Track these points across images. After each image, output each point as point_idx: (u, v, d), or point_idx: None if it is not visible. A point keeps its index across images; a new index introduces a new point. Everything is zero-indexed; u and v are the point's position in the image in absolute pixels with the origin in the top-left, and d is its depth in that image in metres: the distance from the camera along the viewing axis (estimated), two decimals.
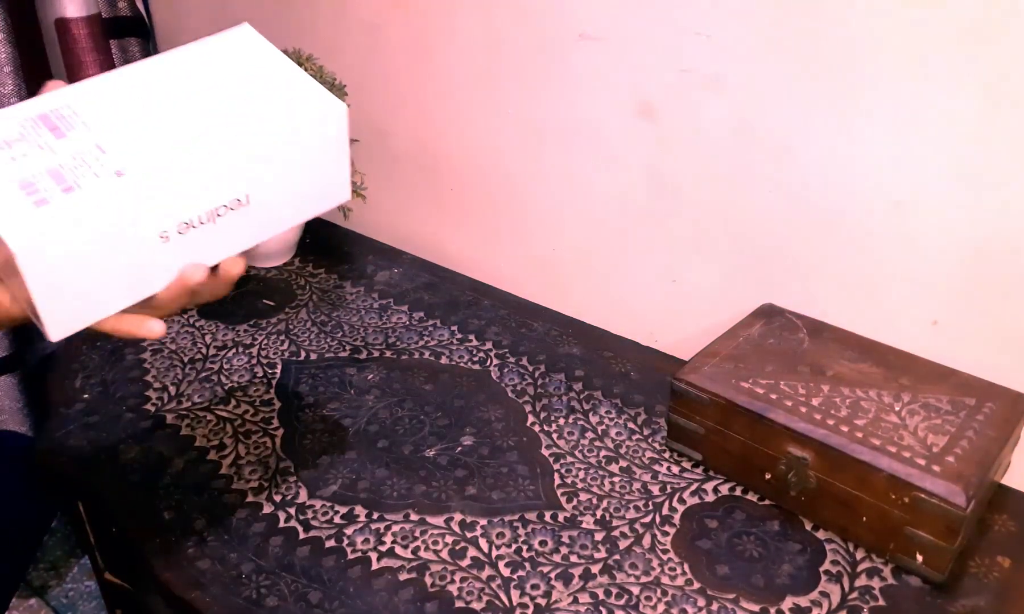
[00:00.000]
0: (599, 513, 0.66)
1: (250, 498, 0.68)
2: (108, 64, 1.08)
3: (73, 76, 1.06)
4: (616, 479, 0.70)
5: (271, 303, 0.95)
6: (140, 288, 0.49)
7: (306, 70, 0.83)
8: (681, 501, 0.68)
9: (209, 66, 0.53)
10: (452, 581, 0.60)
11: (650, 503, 0.67)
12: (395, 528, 0.65)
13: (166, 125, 0.50)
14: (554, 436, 0.75)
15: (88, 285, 0.47)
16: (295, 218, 0.55)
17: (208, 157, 0.49)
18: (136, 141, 0.48)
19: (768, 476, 0.66)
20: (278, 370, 0.83)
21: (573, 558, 0.62)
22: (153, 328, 0.50)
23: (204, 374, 0.83)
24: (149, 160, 0.48)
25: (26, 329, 1.20)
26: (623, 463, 0.72)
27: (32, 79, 1.11)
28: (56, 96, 0.50)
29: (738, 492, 0.69)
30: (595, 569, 0.61)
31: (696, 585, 0.60)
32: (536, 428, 0.76)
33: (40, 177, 0.46)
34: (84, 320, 0.48)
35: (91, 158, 0.47)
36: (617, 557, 0.62)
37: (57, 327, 0.47)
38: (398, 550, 0.63)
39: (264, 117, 0.51)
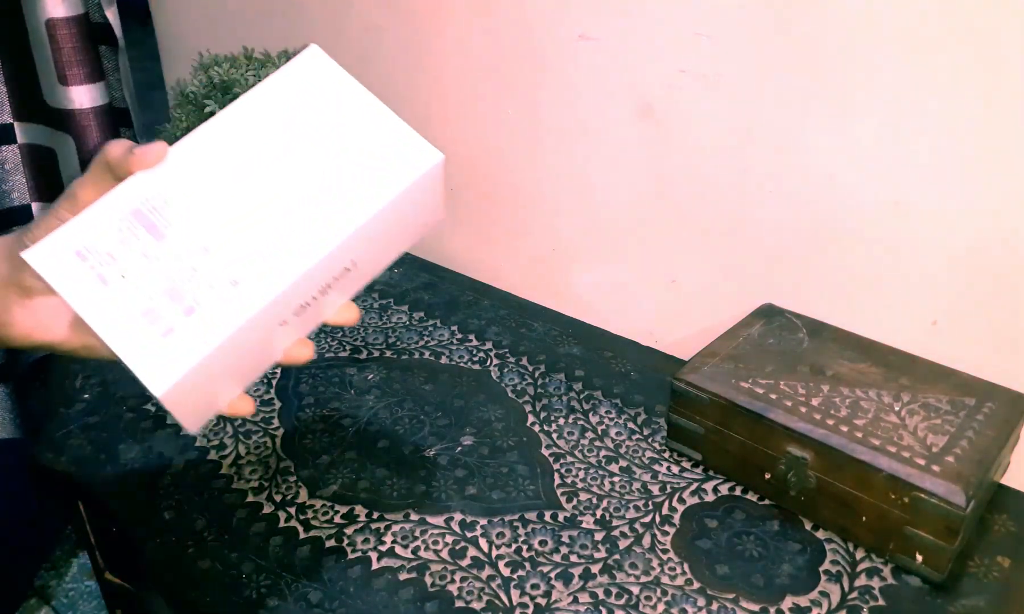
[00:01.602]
0: (599, 513, 0.66)
1: (250, 498, 0.68)
2: (96, 64, 1.08)
3: (62, 76, 1.06)
4: (616, 479, 0.70)
5: None
6: (261, 367, 0.49)
7: None
8: (681, 501, 0.68)
9: (296, 119, 0.50)
10: (452, 581, 0.60)
11: (650, 503, 0.67)
12: (395, 528, 0.65)
13: (270, 211, 0.47)
14: (554, 436, 0.75)
15: (218, 384, 0.47)
16: (393, 257, 0.54)
17: (320, 243, 0.47)
18: (242, 237, 0.47)
19: (768, 476, 0.66)
20: (278, 370, 0.83)
21: (573, 558, 0.62)
22: (243, 407, 0.49)
23: None
24: (262, 262, 0.46)
25: None
26: (623, 463, 0.72)
27: (16, 80, 1.11)
28: (143, 182, 0.47)
29: (738, 492, 0.69)
30: (595, 569, 0.61)
31: (696, 585, 0.60)
32: (536, 428, 0.76)
33: (158, 300, 0.45)
34: (216, 409, 0.49)
35: (201, 265, 0.46)
36: (617, 557, 0.62)
37: (194, 425, 0.47)
38: (398, 550, 0.63)
39: (368, 184, 0.49)
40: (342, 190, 0.49)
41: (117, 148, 0.47)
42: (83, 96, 1.08)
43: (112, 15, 1.08)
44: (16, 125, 1.13)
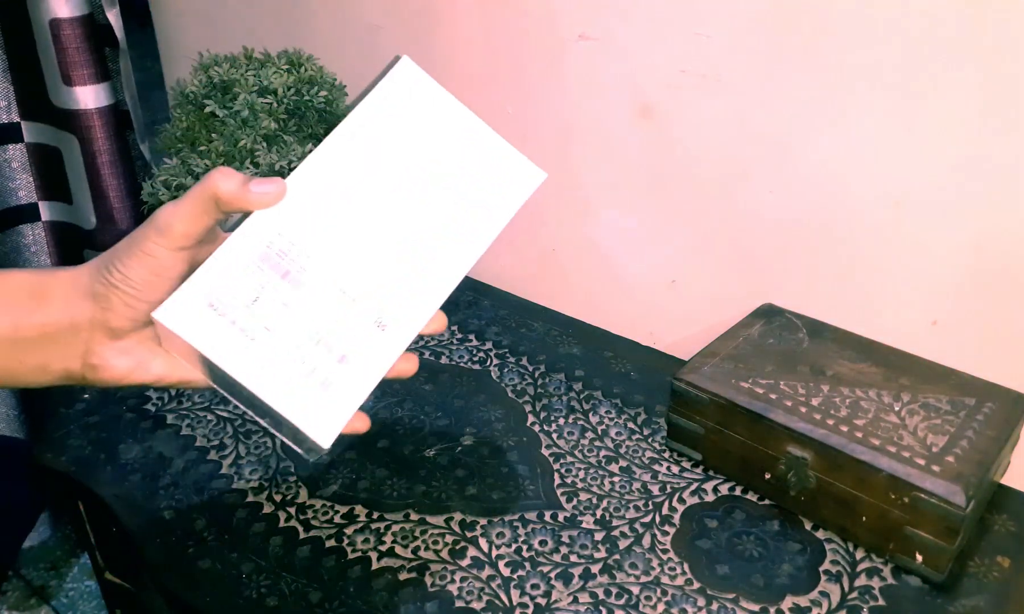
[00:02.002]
0: (599, 513, 0.66)
1: (250, 498, 0.68)
2: (101, 64, 1.09)
3: (67, 76, 1.06)
4: (616, 479, 0.70)
5: None
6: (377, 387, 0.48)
7: (306, 70, 0.83)
8: (681, 501, 0.68)
9: (404, 143, 0.48)
10: (452, 581, 0.60)
11: (650, 503, 0.67)
12: (395, 528, 0.65)
13: (398, 246, 0.47)
14: (554, 436, 0.75)
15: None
16: None
17: (450, 276, 0.48)
18: (377, 275, 0.46)
19: (768, 476, 0.66)
20: None
21: (573, 558, 0.62)
22: (359, 425, 0.48)
23: None
24: (402, 301, 0.46)
25: None
26: (623, 463, 0.72)
27: (22, 80, 1.11)
28: (263, 222, 0.45)
29: (738, 492, 0.69)
30: (595, 569, 0.61)
31: (696, 585, 0.60)
32: (536, 428, 0.76)
33: (309, 351, 0.44)
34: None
35: (345, 311, 0.45)
36: (617, 557, 0.62)
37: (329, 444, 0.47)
38: (398, 550, 0.63)
39: (486, 210, 0.49)
40: (462, 219, 0.49)
41: (229, 182, 0.43)
42: (88, 96, 1.08)
43: (113, 17, 1.08)
44: (23, 124, 1.13)
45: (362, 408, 0.46)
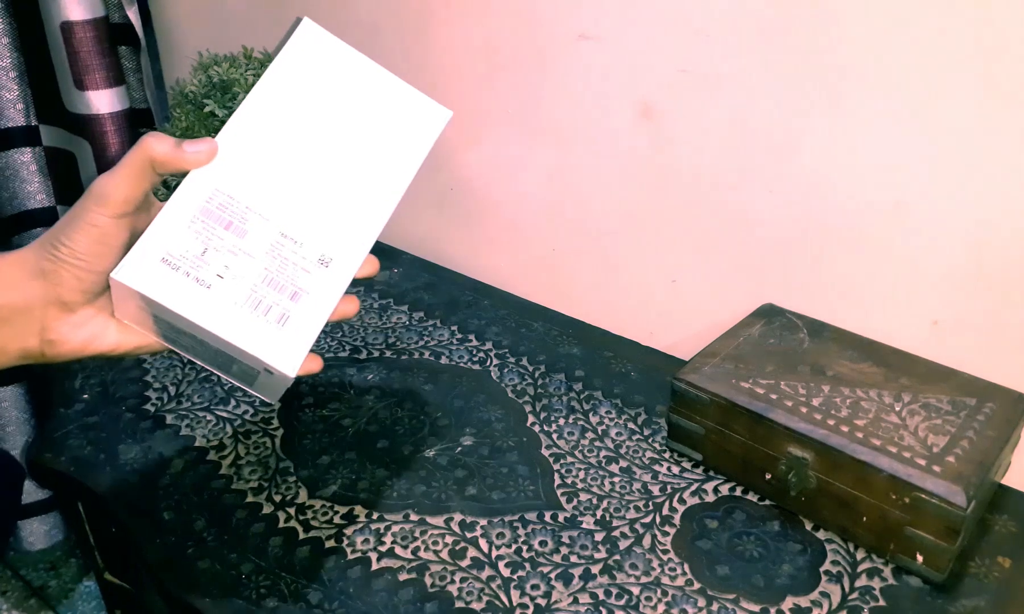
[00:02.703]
0: (599, 513, 0.66)
1: (250, 498, 0.68)
2: (115, 68, 1.08)
3: (80, 81, 1.06)
4: (616, 479, 0.70)
5: None
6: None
7: None
8: (681, 501, 0.68)
9: (318, 96, 0.53)
10: (452, 581, 0.60)
11: (650, 503, 0.67)
12: (395, 528, 0.65)
13: (328, 190, 0.51)
14: (554, 436, 0.75)
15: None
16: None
17: (380, 212, 0.52)
18: (314, 218, 0.50)
19: (768, 476, 0.66)
20: None
21: (573, 558, 0.62)
22: (313, 365, 0.51)
23: (204, 374, 0.83)
24: (340, 239, 0.50)
25: None
26: (623, 463, 0.72)
27: (37, 84, 1.10)
28: (200, 180, 0.48)
29: (738, 492, 0.69)
30: (595, 569, 0.61)
31: (696, 585, 0.60)
32: (536, 428, 0.76)
33: (262, 291, 0.48)
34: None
35: (289, 252, 0.49)
36: (617, 557, 0.62)
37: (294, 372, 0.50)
38: (398, 550, 0.63)
39: (402, 150, 0.53)
40: (381, 162, 0.52)
41: (162, 145, 0.46)
42: (101, 101, 1.07)
43: (133, 14, 1.07)
44: (40, 127, 1.13)
45: (315, 351, 0.50)
